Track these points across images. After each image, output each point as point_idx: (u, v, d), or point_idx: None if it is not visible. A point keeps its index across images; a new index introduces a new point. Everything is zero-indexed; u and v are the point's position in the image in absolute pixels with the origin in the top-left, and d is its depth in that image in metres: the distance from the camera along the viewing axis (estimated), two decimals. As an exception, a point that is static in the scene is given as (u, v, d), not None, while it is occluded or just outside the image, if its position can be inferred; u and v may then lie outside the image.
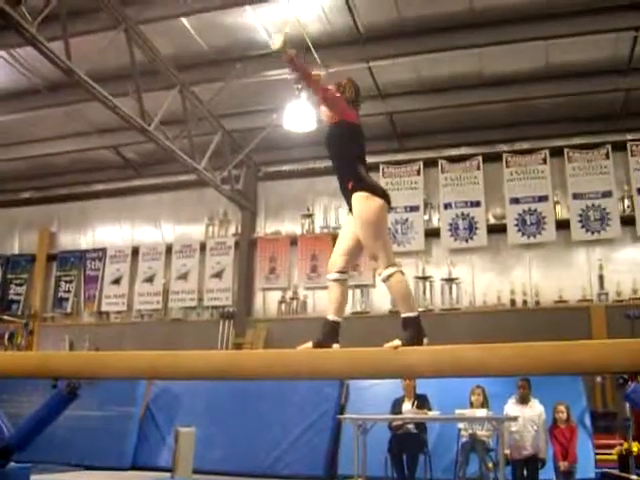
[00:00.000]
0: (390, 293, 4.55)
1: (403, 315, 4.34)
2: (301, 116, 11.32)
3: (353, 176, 4.56)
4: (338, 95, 4.73)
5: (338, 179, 4.67)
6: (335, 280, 4.54)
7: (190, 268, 14.85)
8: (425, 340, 4.28)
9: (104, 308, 15.43)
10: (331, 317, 4.48)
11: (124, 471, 10.70)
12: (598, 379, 11.15)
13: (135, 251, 15.45)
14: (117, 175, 15.81)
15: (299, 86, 10.92)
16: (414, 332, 4.26)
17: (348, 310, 13.33)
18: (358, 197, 4.45)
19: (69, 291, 15.84)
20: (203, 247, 14.93)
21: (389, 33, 10.68)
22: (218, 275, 14.60)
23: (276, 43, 4.44)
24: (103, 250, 15.81)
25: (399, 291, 4.40)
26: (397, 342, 4.21)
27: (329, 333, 4.43)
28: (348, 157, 4.64)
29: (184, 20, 10.47)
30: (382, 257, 4.40)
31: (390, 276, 4.36)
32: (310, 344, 4.38)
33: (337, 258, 4.58)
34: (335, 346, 4.39)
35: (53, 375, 5.01)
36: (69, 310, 15.72)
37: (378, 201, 4.42)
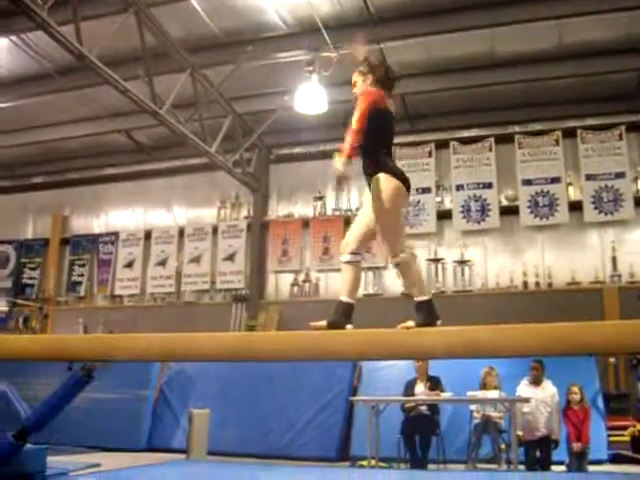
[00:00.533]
0: (402, 279, 4.55)
1: (416, 299, 4.35)
2: (312, 98, 11.28)
3: (375, 160, 4.54)
4: (366, 102, 4.54)
5: (362, 162, 4.65)
6: (347, 262, 4.54)
7: (202, 251, 14.90)
8: (438, 322, 4.30)
9: (117, 292, 15.52)
10: (344, 298, 4.49)
11: (139, 452, 10.79)
12: (611, 360, 11.16)
13: (148, 235, 15.52)
14: (129, 159, 15.84)
15: (310, 68, 10.92)
16: (427, 315, 4.28)
17: (361, 292, 13.36)
18: (377, 178, 4.44)
19: (82, 275, 15.94)
20: (215, 230, 14.97)
21: (400, 14, 10.61)
22: (230, 258, 14.64)
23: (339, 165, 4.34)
24: (116, 234, 15.89)
25: (410, 277, 4.41)
26: (410, 323, 4.23)
27: (343, 314, 4.44)
28: (373, 142, 4.58)
29: (194, 2, 10.44)
30: (392, 243, 4.41)
31: (399, 264, 4.38)
32: (324, 322, 4.40)
33: (350, 239, 4.58)
34: (348, 327, 4.41)
35: (69, 358, 5.05)
36: (83, 294, 15.83)
37: (396, 183, 4.42)
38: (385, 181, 4.41)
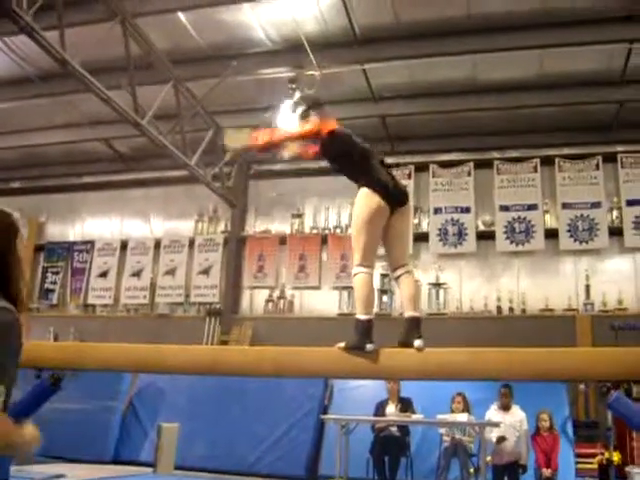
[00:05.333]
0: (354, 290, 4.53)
1: (356, 316, 4.34)
2: (294, 116, 11.30)
3: (355, 178, 4.60)
4: (310, 123, 4.80)
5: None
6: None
7: (178, 264, 14.82)
8: (369, 346, 4.16)
9: (90, 301, 15.36)
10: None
11: (106, 464, 10.67)
12: (581, 387, 11.21)
13: (123, 245, 15.41)
14: (108, 168, 15.74)
15: (293, 86, 10.97)
16: (359, 336, 4.23)
17: (335, 311, 13.37)
18: (360, 192, 4.47)
19: (55, 282, 15.77)
20: (192, 243, 14.90)
21: (385, 36, 10.70)
22: (206, 272, 14.58)
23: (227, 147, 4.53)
24: (91, 242, 15.75)
25: (357, 291, 4.40)
26: (342, 344, 4.22)
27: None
28: (349, 164, 4.66)
29: (181, 15, 10.46)
30: (356, 253, 4.41)
31: (356, 275, 4.39)
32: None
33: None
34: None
35: (37, 365, 4.98)
36: (55, 302, 15.66)
37: (374, 199, 4.37)
38: (362, 195, 4.43)
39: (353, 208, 4.50)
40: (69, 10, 9.19)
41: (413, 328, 4.26)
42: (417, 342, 4.11)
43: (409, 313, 4.35)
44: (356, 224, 4.44)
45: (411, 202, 13.60)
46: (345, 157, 4.67)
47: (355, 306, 4.47)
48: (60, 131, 14.02)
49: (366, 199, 4.40)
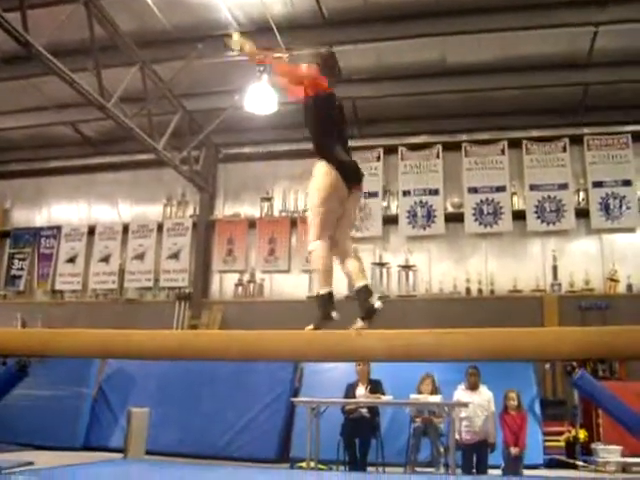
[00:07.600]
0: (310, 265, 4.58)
1: (318, 292, 4.38)
2: (262, 98, 11.24)
3: (318, 145, 4.56)
4: (309, 68, 4.67)
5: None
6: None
7: (147, 248, 14.71)
8: (334, 314, 4.27)
9: (58, 287, 15.20)
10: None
11: (75, 451, 10.60)
12: (547, 367, 11.36)
13: (91, 230, 15.25)
14: (74, 152, 15.51)
15: (261, 68, 10.88)
16: (322, 309, 4.30)
17: (303, 295, 13.37)
18: (316, 165, 4.46)
19: (22, 269, 15.57)
20: (160, 227, 14.79)
21: (352, 18, 10.65)
22: (175, 256, 14.49)
23: (233, 44, 4.42)
24: (58, 228, 15.56)
25: (315, 264, 4.45)
26: (311, 326, 4.25)
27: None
28: (316, 128, 4.61)
29: (146, -4, 10.33)
30: (313, 228, 4.41)
31: (312, 250, 4.39)
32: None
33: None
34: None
35: (3, 352, 4.93)
36: (22, 288, 15.46)
37: (331, 172, 4.37)
38: (320, 168, 4.40)
39: (310, 182, 4.45)
40: (31, -9, 9.04)
41: (368, 295, 4.28)
42: (378, 303, 4.14)
43: (362, 282, 4.38)
44: (313, 200, 4.41)
45: (380, 184, 13.59)
46: (322, 121, 4.59)
47: (316, 282, 4.47)
48: (25, 115, 13.76)
49: (323, 174, 4.38)
